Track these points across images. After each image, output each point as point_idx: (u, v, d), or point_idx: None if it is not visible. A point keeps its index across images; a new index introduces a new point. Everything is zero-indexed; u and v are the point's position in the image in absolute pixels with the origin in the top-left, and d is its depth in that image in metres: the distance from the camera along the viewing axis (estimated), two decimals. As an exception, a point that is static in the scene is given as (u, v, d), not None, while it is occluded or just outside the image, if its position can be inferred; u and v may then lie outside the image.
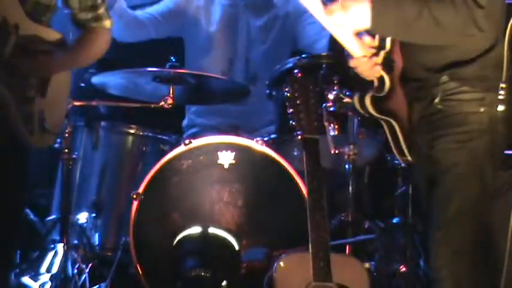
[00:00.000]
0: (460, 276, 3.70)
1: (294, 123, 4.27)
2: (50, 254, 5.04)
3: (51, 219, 5.23)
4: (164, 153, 4.99)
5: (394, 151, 3.87)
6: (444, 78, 3.71)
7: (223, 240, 4.72)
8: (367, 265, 4.71)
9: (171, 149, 4.95)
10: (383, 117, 3.81)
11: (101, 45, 4.31)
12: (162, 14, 5.95)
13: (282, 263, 4.26)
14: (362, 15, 3.62)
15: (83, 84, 5.35)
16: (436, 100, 3.76)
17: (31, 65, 3.95)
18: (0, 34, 3.94)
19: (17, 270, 5.03)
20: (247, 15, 5.97)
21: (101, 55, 4.33)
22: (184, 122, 5.75)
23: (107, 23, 4.30)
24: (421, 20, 3.56)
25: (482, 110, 3.67)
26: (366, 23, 3.62)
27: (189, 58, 5.91)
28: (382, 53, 3.73)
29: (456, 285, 3.68)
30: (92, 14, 4.26)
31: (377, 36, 3.72)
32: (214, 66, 5.79)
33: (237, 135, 5.12)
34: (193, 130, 5.67)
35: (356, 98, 3.85)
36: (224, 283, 4.58)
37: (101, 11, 4.32)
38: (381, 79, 3.74)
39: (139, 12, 5.89)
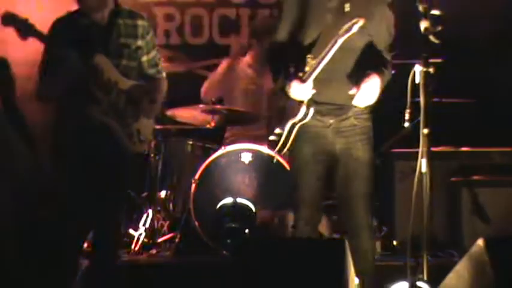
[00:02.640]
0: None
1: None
2: (144, 215, 6.11)
3: (145, 195, 6.34)
4: (210, 154, 6.04)
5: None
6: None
7: (246, 206, 5.84)
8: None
9: (214, 152, 6.03)
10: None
11: (165, 89, 4.95)
12: None
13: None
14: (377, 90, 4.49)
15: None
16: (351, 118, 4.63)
17: (137, 110, 4.68)
18: (107, 88, 4.57)
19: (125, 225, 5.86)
20: None
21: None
22: (227, 134, 6.60)
23: (164, 74, 4.92)
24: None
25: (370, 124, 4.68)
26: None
27: None
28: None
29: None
30: (155, 69, 4.83)
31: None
32: None
33: (254, 142, 6.04)
34: (231, 138, 6.50)
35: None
36: (246, 231, 5.74)
37: (160, 66, 4.89)
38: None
39: None
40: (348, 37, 4.49)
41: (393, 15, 4.76)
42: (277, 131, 4.67)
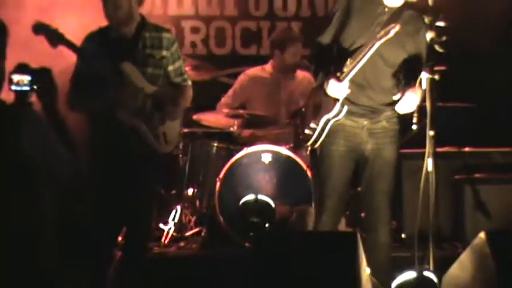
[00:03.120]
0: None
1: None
2: (173, 211, 6.05)
3: (174, 193, 6.28)
4: (232, 155, 6.03)
5: None
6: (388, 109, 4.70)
7: (266, 202, 5.79)
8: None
9: (236, 153, 6.01)
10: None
11: (190, 95, 5.00)
12: None
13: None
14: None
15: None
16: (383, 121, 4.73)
17: (162, 114, 4.73)
18: (134, 93, 4.62)
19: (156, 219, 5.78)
20: None
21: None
22: (247, 134, 6.47)
23: (190, 82, 4.96)
24: None
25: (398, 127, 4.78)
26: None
27: None
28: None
29: None
30: (181, 77, 4.90)
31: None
32: None
33: (273, 143, 6.06)
34: (251, 139, 6.40)
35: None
36: (267, 225, 5.73)
37: (186, 75, 4.95)
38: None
39: None
40: (385, 43, 4.51)
41: None
42: (312, 125, 4.73)
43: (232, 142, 6.42)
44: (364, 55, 4.54)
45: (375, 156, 4.76)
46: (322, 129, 4.71)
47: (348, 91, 4.57)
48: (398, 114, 4.75)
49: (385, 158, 4.76)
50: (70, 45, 4.58)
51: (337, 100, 4.62)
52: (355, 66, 4.55)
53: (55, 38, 4.51)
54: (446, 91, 4.71)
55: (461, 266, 4.21)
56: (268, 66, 6.53)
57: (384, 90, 4.71)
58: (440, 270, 4.33)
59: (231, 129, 6.31)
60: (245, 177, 6.00)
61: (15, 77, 3.08)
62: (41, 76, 3.11)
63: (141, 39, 4.73)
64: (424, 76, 4.43)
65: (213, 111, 6.42)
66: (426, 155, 4.43)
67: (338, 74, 4.58)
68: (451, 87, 4.96)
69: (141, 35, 4.73)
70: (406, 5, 4.70)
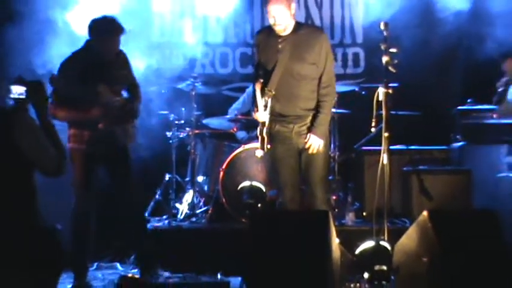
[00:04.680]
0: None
1: None
2: (187, 194, 6.07)
3: (187, 180, 6.23)
4: (233, 151, 5.94)
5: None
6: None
7: (258, 187, 5.73)
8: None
9: (235, 149, 5.93)
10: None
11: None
12: None
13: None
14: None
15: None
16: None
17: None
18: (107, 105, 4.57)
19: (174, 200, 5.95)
20: None
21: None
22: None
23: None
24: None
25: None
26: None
27: None
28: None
29: None
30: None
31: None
32: None
33: None
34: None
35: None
36: (259, 205, 5.63)
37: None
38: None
39: None
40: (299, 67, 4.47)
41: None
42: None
43: (232, 140, 6.37)
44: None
45: (306, 152, 4.64)
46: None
47: (267, 116, 4.48)
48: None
49: (314, 153, 4.61)
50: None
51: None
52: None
53: None
54: (398, 102, 4.71)
55: (409, 236, 4.21)
56: None
57: (303, 98, 4.60)
58: (392, 240, 4.33)
59: (231, 131, 6.28)
60: (242, 168, 5.91)
61: (14, 88, 3.10)
62: (35, 88, 3.12)
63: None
64: (381, 90, 4.37)
65: (217, 116, 6.34)
66: (382, 151, 4.41)
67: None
68: (401, 99, 4.97)
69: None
70: (296, 27, 4.61)
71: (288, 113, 4.59)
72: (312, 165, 4.62)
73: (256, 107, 4.51)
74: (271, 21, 4.53)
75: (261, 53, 4.65)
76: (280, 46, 4.54)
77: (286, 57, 4.50)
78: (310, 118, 4.60)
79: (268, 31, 4.63)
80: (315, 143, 4.52)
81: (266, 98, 4.48)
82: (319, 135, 4.54)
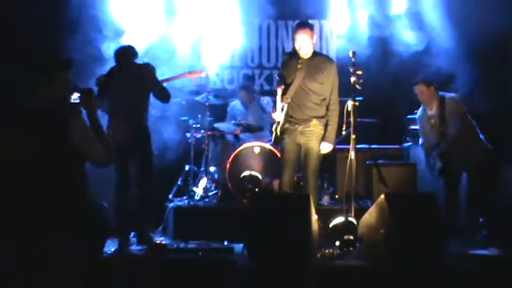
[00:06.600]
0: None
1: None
2: (201, 180, 5.89)
3: (202, 169, 6.03)
4: (236, 148, 5.82)
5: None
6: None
7: (256, 176, 5.63)
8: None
9: (239, 147, 5.81)
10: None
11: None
12: None
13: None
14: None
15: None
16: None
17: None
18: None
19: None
20: None
21: None
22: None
23: None
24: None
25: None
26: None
27: None
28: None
29: None
30: None
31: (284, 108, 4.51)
32: None
33: (260, 141, 5.79)
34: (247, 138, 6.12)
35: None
36: (256, 189, 5.54)
37: None
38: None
39: None
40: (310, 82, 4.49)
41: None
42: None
43: (236, 140, 6.23)
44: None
45: (305, 146, 4.66)
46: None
47: (283, 117, 4.52)
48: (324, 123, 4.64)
49: (310, 148, 4.61)
50: None
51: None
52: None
53: None
54: (363, 112, 4.72)
55: (370, 214, 4.19)
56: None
57: (310, 107, 4.61)
58: (358, 217, 4.31)
59: (235, 132, 6.16)
60: (244, 161, 5.78)
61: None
62: (87, 94, 3.04)
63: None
64: (349, 103, 4.37)
65: (224, 121, 6.23)
66: (350, 149, 4.40)
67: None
68: (365, 110, 4.94)
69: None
70: (314, 54, 4.64)
71: (297, 116, 4.64)
72: (308, 157, 4.64)
73: (276, 108, 4.57)
74: (297, 46, 4.55)
75: (285, 69, 4.71)
76: (299, 66, 4.59)
77: (302, 75, 4.56)
78: (312, 122, 4.61)
79: (293, 53, 4.67)
80: (326, 148, 4.59)
81: (283, 103, 4.54)
82: (329, 141, 4.61)
